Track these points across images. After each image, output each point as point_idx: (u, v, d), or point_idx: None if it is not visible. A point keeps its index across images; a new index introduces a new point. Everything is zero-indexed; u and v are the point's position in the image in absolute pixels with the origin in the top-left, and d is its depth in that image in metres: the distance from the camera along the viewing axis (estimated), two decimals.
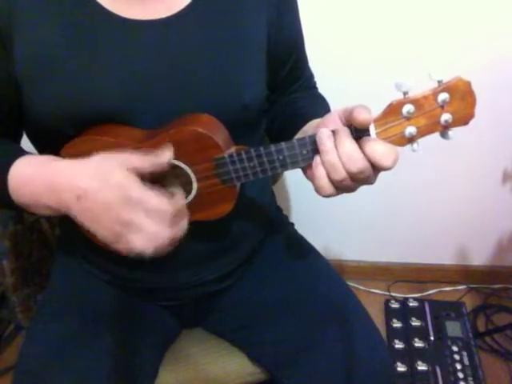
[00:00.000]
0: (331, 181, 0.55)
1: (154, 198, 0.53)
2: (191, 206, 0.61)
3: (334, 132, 0.54)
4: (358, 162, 0.53)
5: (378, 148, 0.52)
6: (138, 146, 0.59)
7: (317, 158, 0.56)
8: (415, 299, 1.44)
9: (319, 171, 0.55)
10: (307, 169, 0.59)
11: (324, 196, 0.56)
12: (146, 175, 0.55)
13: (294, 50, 0.76)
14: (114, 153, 0.56)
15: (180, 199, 0.57)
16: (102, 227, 0.54)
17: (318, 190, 0.57)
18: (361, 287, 1.51)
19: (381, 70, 1.17)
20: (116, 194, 0.52)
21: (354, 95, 1.15)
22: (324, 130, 0.55)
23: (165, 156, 0.56)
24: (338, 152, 0.53)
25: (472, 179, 1.34)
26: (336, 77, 1.15)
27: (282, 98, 0.80)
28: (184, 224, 0.57)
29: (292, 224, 0.93)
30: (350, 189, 0.56)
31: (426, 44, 1.13)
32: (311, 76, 0.84)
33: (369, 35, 1.14)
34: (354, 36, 1.14)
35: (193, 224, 0.60)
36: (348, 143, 0.53)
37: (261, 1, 0.67)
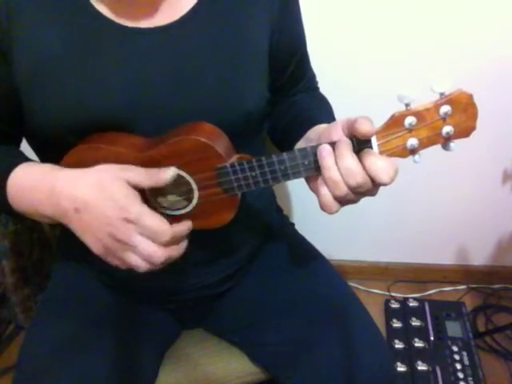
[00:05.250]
0: (334, 197, 0.55)
1: (152, 219, 0.54)
2: (192, 215, 0.61)
3: (334, 145, 0.54)
4: (357, 176, 0.52)
5: (378, 163, 0.52)
6: (140, 154, 0.58)
7: (320, 177, 0.56)
8: (415, 299, 1.44)
9: (323, 189, 0.55)
10: (310, 181, 0.59)
11: (330, 213, 0.56)
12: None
13: (297, 52, 0.76)
14: (116, 164, 0.56)
15: (184, 227, 0.58)
16: (96, 240, 0.56)
17: (323, 208, 0.56)
18: (361, 287, 1.51)
19: (382, 70, 1.17)
20: (114, 209, 0.53)
21: (356, 96, 1.17)
22: (324, 146, 0.54)
23: (166, 175, 0.56)
24: (338, 166, 0.53)
25: (472, 179, 1.34)
26: (338, 78, 1.15)
27: (284, 99, 0.79)
28: (182, 246, 0.58)
29: (292, 224, 0.93)
30: (353, 202, 0.56)
31: (427, 44, 1.13)
32: (313, 77, 0.84)
33: (372, 38, 1.14)
34: (358, 38, 1.14)
35: (193, 230, 0.61)
36: (348, 157, 0.53)
37: (263, 5, 0.66)
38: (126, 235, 0.54)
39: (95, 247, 0.56)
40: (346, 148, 0.53)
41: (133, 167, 0.56)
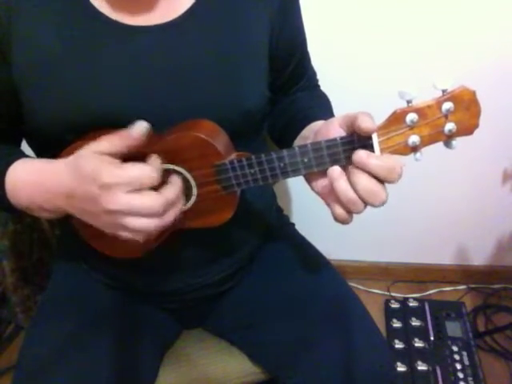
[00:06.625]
0: (349, 212, 0.55)
1: (127, 170, 0.51)
2: (191, 213, 0.61)
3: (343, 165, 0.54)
4: (379, 195, 0.52)
5: (384, 165, 0.52)
6: (138, 152, 0.58)
7: (331, 196, 0.56)
8: (415, 299, 1.44)
9: (337, 207, 0.55)
10: (311, 181, 0.59)
11: (346, 224, 0.57)
12: (123, 155, 0.53)
13: (297, 50, 0.76)
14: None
15: (155, 161, 0.54)
16: (96, 220, 0.54)
17: (339, 222, 0.57)
18: (361, 287, 1.51)
19: (383, 68, 1.17)
20: (90, 183, 0.51)
21: (357, 96, 1.17)
22: (334, 169, 0.54)
23: (136, 130, 0.53)
24: (356, 189, 0.53)
25: (472, 179, 1.34)
26: (338, 78, 1.15)
27: (284, 98, 0.79)
28: (175, 183, 0.55)
29: (292, 224, 0.93)
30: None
31: (428, 43, 1.13)
32: (314, 74, 0.84)
33: (372, 34, 1.14)
34: (358, 37, 1.14)
35: (193, 230, 0.60)
36: (365, 180, 0.52)
37: (263, 3, 0.66)
38: (114, 202, 0.50)
39: (102, 227, 0.54)
40: (358, 171, 0.53)
41: (103, 137, 0.54)
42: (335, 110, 0.78)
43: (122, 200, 0.50)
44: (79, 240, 0.66)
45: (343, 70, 1.18)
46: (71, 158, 0.54)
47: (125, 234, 0.53)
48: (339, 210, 0.55)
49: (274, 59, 0.70)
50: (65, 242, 0.85)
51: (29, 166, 0.61)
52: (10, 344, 1.36)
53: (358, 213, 0.55)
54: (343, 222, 0.56)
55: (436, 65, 1.14)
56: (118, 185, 0.50)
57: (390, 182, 0.53)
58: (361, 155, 0.53)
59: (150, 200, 0.51)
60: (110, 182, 0.50)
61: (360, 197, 0.53)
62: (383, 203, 0.53)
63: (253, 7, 0.66)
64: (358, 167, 0.53)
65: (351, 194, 0.53)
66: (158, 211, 0.52)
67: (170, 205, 0.53)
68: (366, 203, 0.53)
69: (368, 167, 0.52)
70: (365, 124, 0.51)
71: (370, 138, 0.53)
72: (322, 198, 0.59)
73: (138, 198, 0.51)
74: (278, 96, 0.77)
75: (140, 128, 0.53)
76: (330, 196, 0.56)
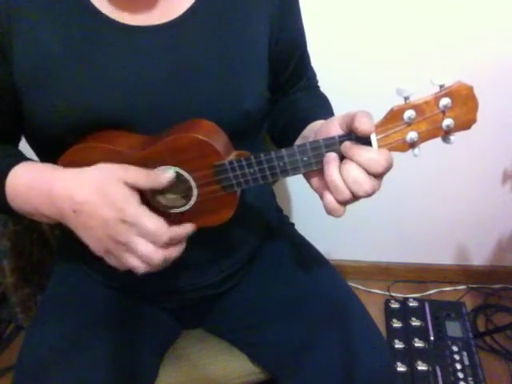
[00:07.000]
0: (338, 202, 0.55)
1: (150, 220, 0.54)
2: (192, 213, 0.61)
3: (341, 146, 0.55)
4: (363, 185, 0.53)
5: (366, 155, 0.52)
6: (138, 153, 0.58)
7: (323, 183, 0.56)
8: (415, 299, 1.44)
9: (326, 195, 0.55)
10: (312, 181, 0.59)
11: (337, 217, 0.57)
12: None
13: (297, 51, 0.76)
14: (114, 164, 0.56)
15: (183, 230, 0.58)
16: (95, 241, 0.56)
17: (330, 213, 0.57)
18: (361, 287, 1.51)
19: (382, 69, 1.18)
20: (112, 211, 0.53)
21: (357, 96, 1.17)
22: (331, 155, 0.55)
23: (165, 177, 0.56)
24: (343, 176, 0.53)
25: (472, 179, 1.34)
26: (338, 77, 1.15)
27: (284, 98, 0.79)
28: (180, 247, 0.58)
29: (292, 224, 0.93)
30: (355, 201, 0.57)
31: (428, 43, 1.14)
32: (314, 75, 0.84)
33: (371, 35, 1.14)
34: (358, 37, 1.14)
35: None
36: (352, 168, 0.53)
37: (263, 4, 0.66)
38: (125, 236, 0.54)
39: (95, 247, 0.57)
40: (350, 161, 0.53)
41: (132, 167, 0.56)
42: (335, 110, 0.78)
43: (132, 240, 0.54)
44: (79, 240, 0.66)
45: (343, 70, 1.18)
46: (94, 175, 0.56)
47: (126, 257, 0.56)
48: (329, 198, 0.55)
49: (274, 60, 0.70)
50: (64, 242, 0.85)
51: (34, 171, 0.60)
52: (9, 344, 1.36)
53: (344, 201, 0.54)
54: (334, 212, 0.56)
55: (436, 64, 1.14)
56: (134, 227, 0.53)
57: (374, 174, 0.53)
58: (345, 144, 0.54)
59: (149, 250, 0.55)
60: (131, 220, 0.53)
61: (346, 184, 0.53)
62: (366, 194, 0.53)
63: (253, 8, 0.66)
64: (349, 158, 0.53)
65: (337, 178, 0.53)
66: (164, 237, 0.55)
67: (175, 240, 0.57)
68: (350, 191, 0.53)
69: (354, 157, 0.53)
70: (362, 126, 0.51)
71: (368, 136, 0.53)
72: (318, 193, 0.59)
73: (144, 244, 0.54)
74: (277, 96, 0.77)
75: (169, 175, 0.57)
76: (324, 187, 0.56)
